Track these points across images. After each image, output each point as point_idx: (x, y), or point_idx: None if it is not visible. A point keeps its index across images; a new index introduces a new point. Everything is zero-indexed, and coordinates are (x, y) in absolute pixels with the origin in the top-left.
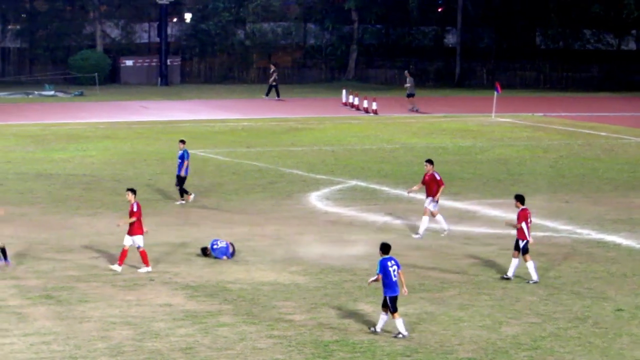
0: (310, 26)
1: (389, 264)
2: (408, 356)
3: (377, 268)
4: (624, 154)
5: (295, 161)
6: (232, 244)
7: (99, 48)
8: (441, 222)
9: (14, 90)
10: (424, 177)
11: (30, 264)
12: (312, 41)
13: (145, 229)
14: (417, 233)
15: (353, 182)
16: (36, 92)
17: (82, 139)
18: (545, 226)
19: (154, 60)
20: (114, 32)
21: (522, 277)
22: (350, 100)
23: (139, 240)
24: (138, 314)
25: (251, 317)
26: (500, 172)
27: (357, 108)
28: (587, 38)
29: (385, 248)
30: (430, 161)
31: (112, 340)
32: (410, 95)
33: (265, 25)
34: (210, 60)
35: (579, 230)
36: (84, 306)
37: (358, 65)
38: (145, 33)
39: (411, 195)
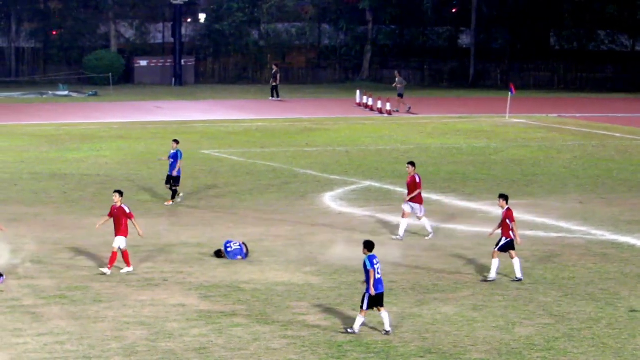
0: (325, 27)
1: (375, 261)
2: (422, 357)
3: (367, 265)
4: (638, 155)
5: (309, 161)
6: (245, 245)
7: (113, 48)
8: (402, 227)
9: (28, 90)
10: (407, 179)
11: (44, 264)
12: (326, 42)
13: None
14: (396, 235)
15: (367, 183)
16: (50, 92)
17: (96, 139)
18: (560, 227)
19: (168, 60)
20: (128, 33)
21: (535, 277)
22: (365, 101)
23: (121, 242)
24: (152, 314)
25: (265, 317)
26: (514, 173)
27: (371, 108)
28: (601, 39)
29: (370, 246)
30: (412, 163)
31: (125, 340)
32: (400, 96)
33: (280, 26)
34: (224, 61)
35: (593, 231)
36: (97, 306)
37: (372, 65)
38: (159, 33)
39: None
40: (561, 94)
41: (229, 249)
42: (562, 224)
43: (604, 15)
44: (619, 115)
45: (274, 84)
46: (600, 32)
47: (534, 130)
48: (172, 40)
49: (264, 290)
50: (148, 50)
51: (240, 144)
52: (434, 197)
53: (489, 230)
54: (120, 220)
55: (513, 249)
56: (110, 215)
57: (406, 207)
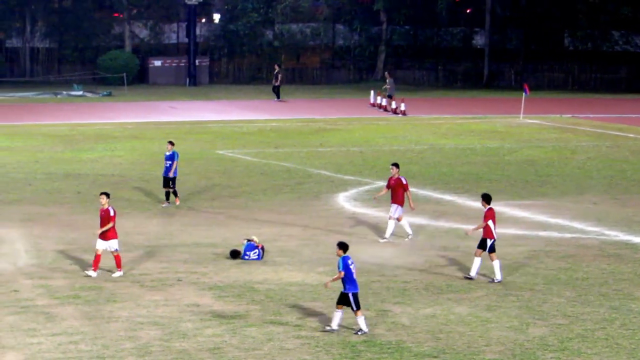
0: (339, 27)
1: (349, 262)
2: (435, 357)
3: (339, 266)
4: None
5: (323, 162)
6: (263, 249)
7: (128, 48)
8: (405, 226)
9: (42, 90)
10: (389, 181)
11: (58, 264)
12: (340, 42)
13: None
14: (383, 237)
15: (381, 183)
16: (65, 92)
17: (111, 139)
18: (573, 227)
19: (183, 60)
20: (143, 33)
21: (549, 278)
22: (379, 101)
23: (114, 244)
24: (166, 314)
25: (279, 317)
26: (528, 174)
27: (385, 109)
28: (615, 39)
29: (344, 247)
30: (396, 165)
31: (139, 340)
32: (389, 97)
33: (294, 26)
34: (238, 61)
35: (606, 232)
36: (111, 306)
37: (386, 66)
38: (173, 33)
39: (377, 199)
40: (575, 94)
41: (246, 257)
42: (576, 225)
43: (619, 16)
44: (633, 115)
45: (275, 84)
46: (614, 33)
47: (548, 130)
48: (186, 40)
49: (277, 290)
50: (162, 51)
51: (254, 144)
52: (447, 197)
53: (504, 230)
54: (106, 222)
55: (493, 251)
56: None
57: (398, 212)
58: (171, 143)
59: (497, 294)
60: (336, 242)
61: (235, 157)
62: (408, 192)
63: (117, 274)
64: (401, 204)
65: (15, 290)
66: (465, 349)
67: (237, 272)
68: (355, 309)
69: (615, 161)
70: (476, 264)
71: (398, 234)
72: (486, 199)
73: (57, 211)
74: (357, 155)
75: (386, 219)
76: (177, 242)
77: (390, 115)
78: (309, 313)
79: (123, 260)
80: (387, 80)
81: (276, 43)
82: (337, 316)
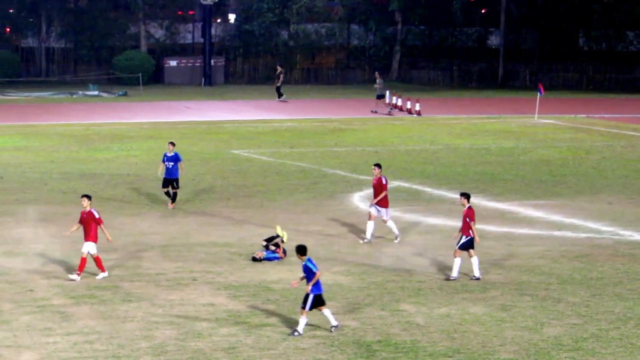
0: (354, 27)
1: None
2: (450, 357)
3: (311, 268)
4: None
5: (338, 162)
6: (285, 252)
7: (143, 48)
8: (368, 230)
9: (58, 90)
10: (373, 181)
11: (74, 264)
12: (355, 42)
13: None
14: (364, 238)
15: (396, 183)
16: (80, 92)
17: (126, 139)
18: (588, 227)
19: (198, 60)
20: (158, 33)
21: (563, 278)
22: (394, 101)
23: (90, 247)
24: (181, 314)
25: (294, 317)
26: (543, 174)
27: (401, 109)
28: (630, 39)
29: (303, 250)
30: (378, 165)
31: (155, 340)
32: (380, 97)
33: (309, 26)
34: (254, 61)
35: (621, 232)
36: (127, 305)
37: (401, 66)
38: (189, 33)
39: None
40: (590, 94)
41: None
42: (591, 225)
43: (633, 16)
44: None
45: (277, 84)
46: (629, 33)
47: (563, 130)
48: (201, 40)
49: (292, 290)
50: (178, 51)
51: (270, 144)
52: None
53: (518, 230)
54: (89, 225)
55: (472, 247)
56: (80, 221)
57: (372, 210)
58: (172, 144)
59: (511, 293)
60: (351, 242)
61: (251, 156)
62: (385, 192)
63: (102, 275)
64: (385, 205)
65: (31, 290)
66: (479, 348)
67: (252, 271)
68: (306, 309)
69: (630, 161)
70: (457, 264)
71: (386, 235)
72: (467, 197)
73: (72, 211)
74: (372, 155)
75: (399, 218)
76: (192, 242)
77: (405, 115)
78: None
79: (145, 260)
80: (377, 80)
81: (291, 43)
82: (328, 314)
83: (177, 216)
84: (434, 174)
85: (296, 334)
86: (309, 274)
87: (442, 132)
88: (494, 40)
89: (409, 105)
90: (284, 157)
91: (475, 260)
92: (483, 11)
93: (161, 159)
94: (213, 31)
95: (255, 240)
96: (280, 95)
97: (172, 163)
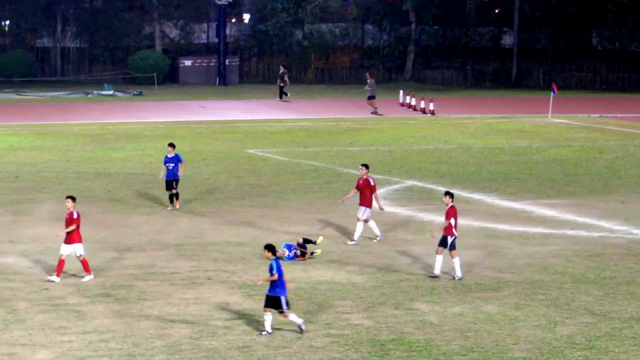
0: (368, 27)
1: (280, 264)
2: (464, 355)
3: (273, 268)
4: None
5: (352, 161)
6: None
7: (158, 48)
8: (374, 228)
9: (73, 89)
10: (358, 181)
11: (89, 262)
12: (369, 42)
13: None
14: (352, 240)
15: (410, 182)
16: (95, 92)
17: (141, 138)
18: (601, 226)
19: (213, 60)
20: (173, 33)
21: (576, 276)
22: (408, 101)
23: (79, 248)
24: (196, 312)
25: (308, 315)
26: (556, 173)
27: (414, 108)
28: None
29: (273, 249)
30: (365, 165)
31: (169, 339)
32: (371, 98)
33: (323, 26)
34: (268, 61)
35: (634, 231)
36: (142, 304)
37: (415, 66)
38: (204, 33)
39: (346, 202)
40: (603, 94)
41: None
42: (604, 224)
43: None
44: None
45: (281, 84)
46: None
47: (576, 130)
48: (216, 40)
49: (307, 288)
50: (192, 50)
51: (284, 144)
52: (476, 196)
53: (533, 229)
54: (70, 225)
55: (454, 248)
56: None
57: (366, 214)
58: (172, 145)
59: (525, 292)
60: (365, 241)
61: (265, 156)
62: (375, 194)
63: (87, 278)
64: (369, 205)
65: (46, 289)
66: (493, 347)
67: (266, 270)
68: (286, 309)
69: None
70: (439, 261)
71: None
72: (451, 196)
73: (87, 210)
74: (386, 155)
75: (413, 217)
76: (207, 241)
77: (419, 115)
78: (338, 311)
79: (160, 259)
80: (368, 81)
81: (305, 43)
82: (269, 319)
83: (191, 215)
84: (447, 173)
85: (264, 333)
86: (271, 272)
87: (456, 131)
88: (507, 40)
89: (422, 104)
90: (298, 157)
91: (457, 261)
92: (497, 11)
93: (162, 161)
94: (228, 31)
95: (271, 238)
96: (283, 94)
97: (173, 164)
